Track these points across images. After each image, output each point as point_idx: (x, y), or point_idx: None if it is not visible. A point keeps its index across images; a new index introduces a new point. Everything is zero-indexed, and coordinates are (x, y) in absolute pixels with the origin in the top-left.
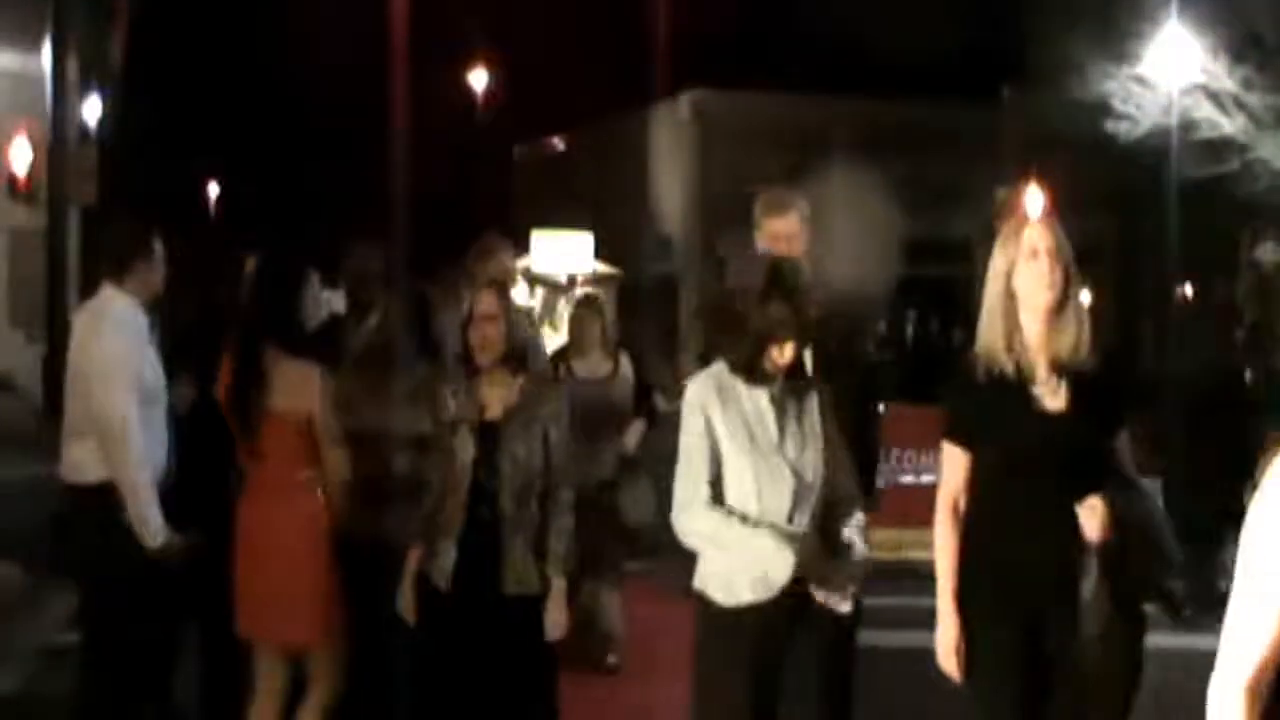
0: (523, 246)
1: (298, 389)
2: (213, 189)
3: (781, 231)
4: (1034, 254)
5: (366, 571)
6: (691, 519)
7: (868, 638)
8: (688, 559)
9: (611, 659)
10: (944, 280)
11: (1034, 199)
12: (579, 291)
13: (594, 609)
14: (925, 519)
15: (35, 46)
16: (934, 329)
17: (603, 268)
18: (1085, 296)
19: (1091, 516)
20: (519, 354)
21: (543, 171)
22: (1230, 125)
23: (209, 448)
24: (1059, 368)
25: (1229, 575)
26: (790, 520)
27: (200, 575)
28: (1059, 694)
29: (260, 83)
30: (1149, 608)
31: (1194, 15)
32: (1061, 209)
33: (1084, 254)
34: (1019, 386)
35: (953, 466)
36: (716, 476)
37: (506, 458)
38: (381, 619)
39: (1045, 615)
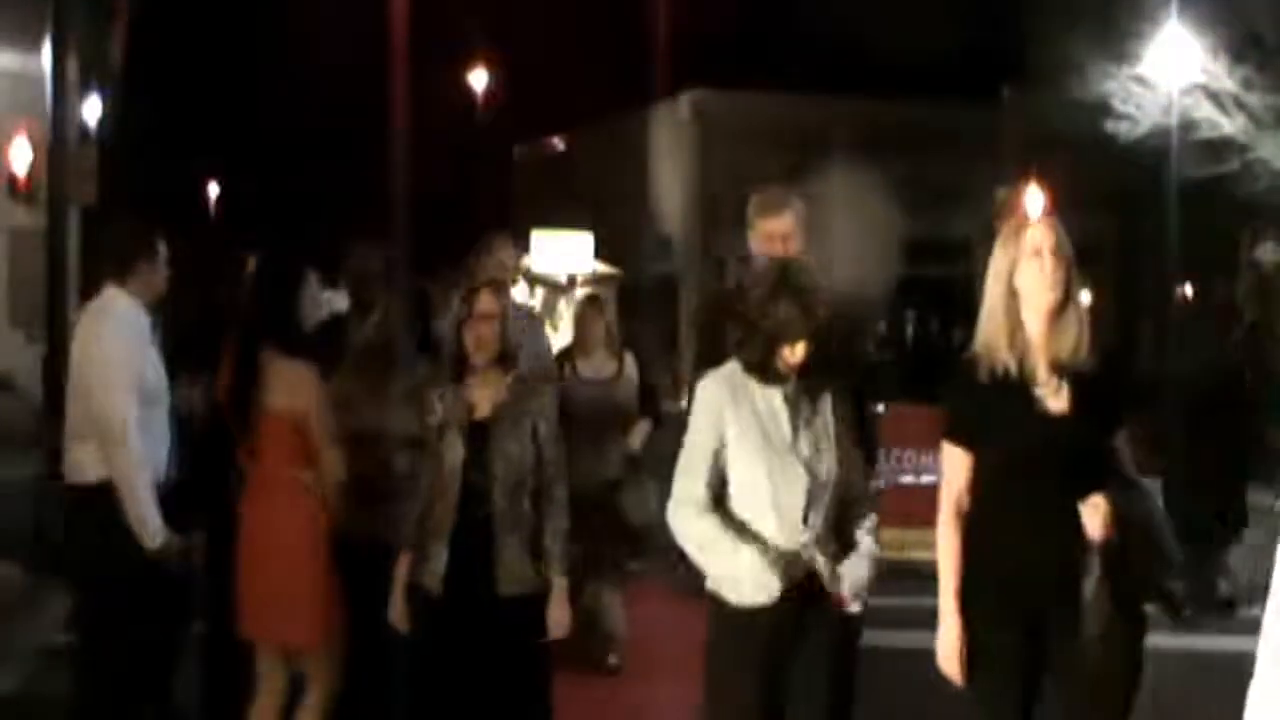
0: (523, 246)
1: (294, 389)
2: (213, 189)
3: (776, 232)
4: (1037, 253)
5: (364, 572)
6: (684, 522)
7: (867, 637)
8: (689, 559)
9: (612, 659)
10: (944, 280)
11: (1034, 199)
12: (582, 291)
13: (596, 609)
14: (925, 519)
15: (35, 46)
16: (934, 329)
17: (603, 268)
18: (1085, 296)
19: (1094, 515)
20: (513, 354)
21: (543, 171)
22: (1230, 125)
23: (210, 448)
24: (1059, 368)
25: (1229, 575)
26: (805, 520)
27: (201, 575)
28: (1059, 695)
29: (260, 82)
30: (1149, 608)
31: (1194, 15)
32: (1061, 209)
33: (1084, 254)
34: (1021, 387)
35: (954, 468)
36: (719, 481)
37: (498, 456)
38: (379, 620)
39: (1046, 616)
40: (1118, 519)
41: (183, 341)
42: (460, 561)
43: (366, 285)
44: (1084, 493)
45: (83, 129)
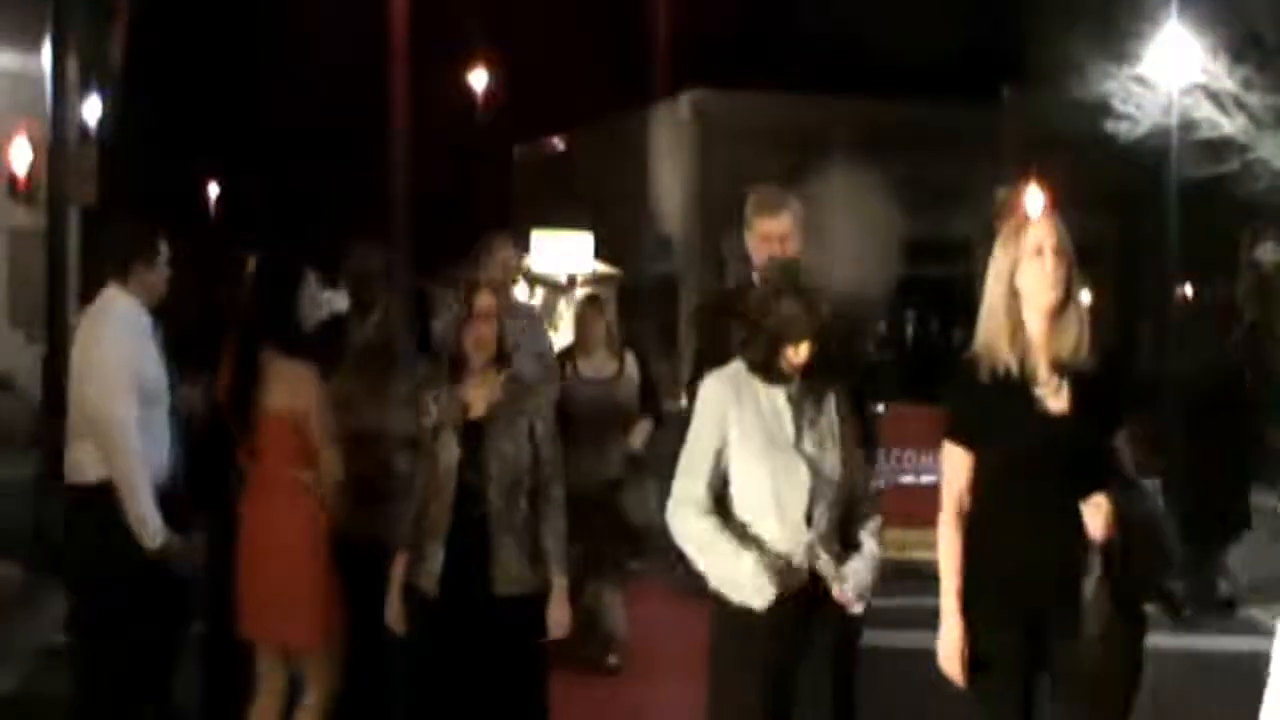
0: (523, 246)
1: (293, 389)
2: (213, 189)
3: (774, 232)
4: (1039, 252)
5: (364, 572)
6: (683, 522)
7: (867, 637)
8: (689, 559)
9: (612, 659)
10: (944, 280)
11: (1034, 199)
12: (582, 291)
13: (597, 609)
14: (925, 519)
15: (35, 46)
16: (934, 329)
17: (603, 268)
18: (1085, 296)
19: (1096, 514)
20: (509, 354)
21: (543, 171)
22: (1230, 125)
23: (210, 448)
24: (1060, 367)
25: (1229, 575)
26: (809, 519)
27: (201, 575)
28: (1060, 695)
29: (260, 83)
30: (1149, 608)
31: (1194, 15)
32: (1061, 209)
33: (1084, 254)
34: (1021, 387)
35: (955, 467)
36: (720, 481)
37: (493, 455)
38: (378, 620)
39: (1047, 616)
40: (1120, 517)
41: (183, 341)
42: (456, 562)
43: (366, 285)
44: (1085, 493)
45: (83, 129)
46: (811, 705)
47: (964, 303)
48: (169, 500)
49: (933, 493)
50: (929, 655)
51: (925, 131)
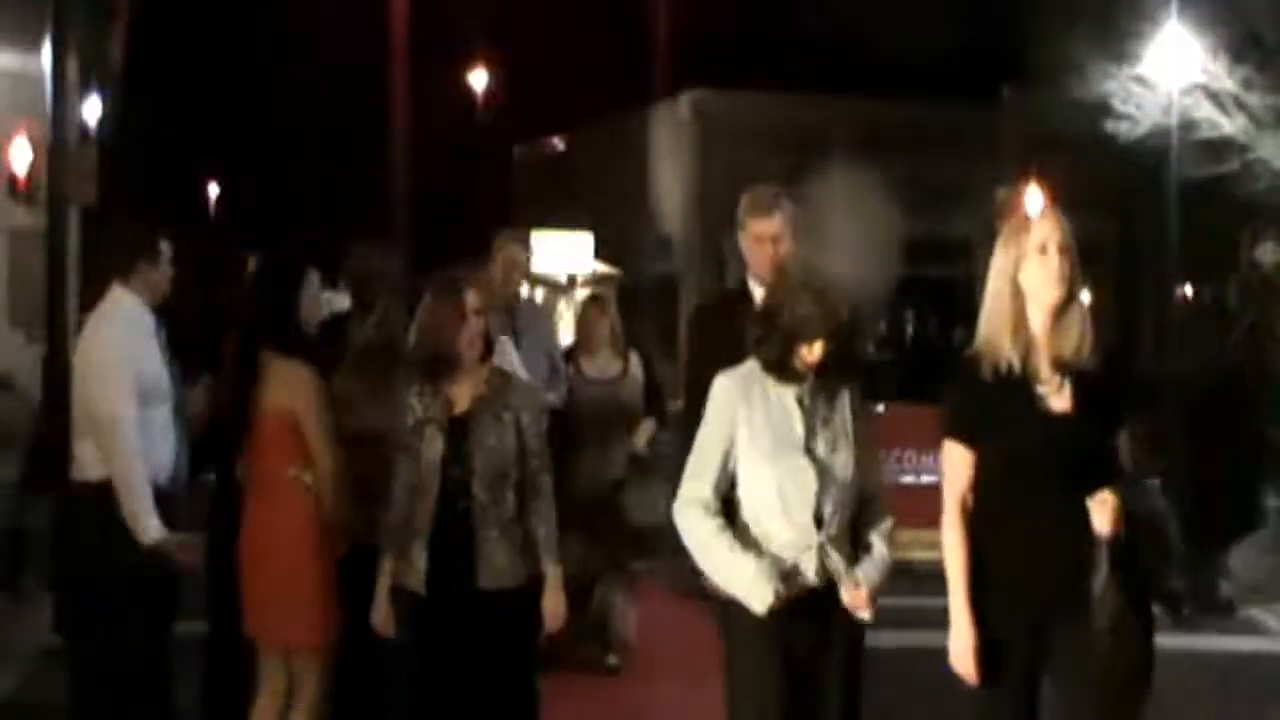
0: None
1: (291, 389)
2: (213, 189)
3: (766, 232)
4: (1043, 249)
5: (364, 572)
6: (687, 520)
7: (867, 637)
8: (691, 559)
9: (612, 659)
10: (944, 280)
11: (1034, 199)
12: (584, 291)
13: (601, 610)
14: (925, 518)
15: (35, 46)
16: (934, 329)
17: (603, 268)
18: (1085, 296)
19: (1103, 509)
20: (492, 350)
21: (543, 171)
22: (1230, 125)
23: (210, 448)
24: (1062, 366)
25: (1229, 575)
26: (819, 521)
27: (201, 575)
28: (1068, 692)
29: (260, 82)
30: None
31: (1194, 15)
32: (1061, 209)
33: (1084, 254)
34: (1023, 385)
35: (956, 466)
36: (728, 482)
37: (476, 449)
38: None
39: (1053, 615)
40: (1126, 513)
41: (183, 341)
42: (442, 558)
43: (367, 285)
44: (1088, 491)
45: (83, 129)
46: (823, 707)
47: (964, 303)
48: (169, 500)
49: (932, 493)
50: (928, 655)
51: (925, 131)
